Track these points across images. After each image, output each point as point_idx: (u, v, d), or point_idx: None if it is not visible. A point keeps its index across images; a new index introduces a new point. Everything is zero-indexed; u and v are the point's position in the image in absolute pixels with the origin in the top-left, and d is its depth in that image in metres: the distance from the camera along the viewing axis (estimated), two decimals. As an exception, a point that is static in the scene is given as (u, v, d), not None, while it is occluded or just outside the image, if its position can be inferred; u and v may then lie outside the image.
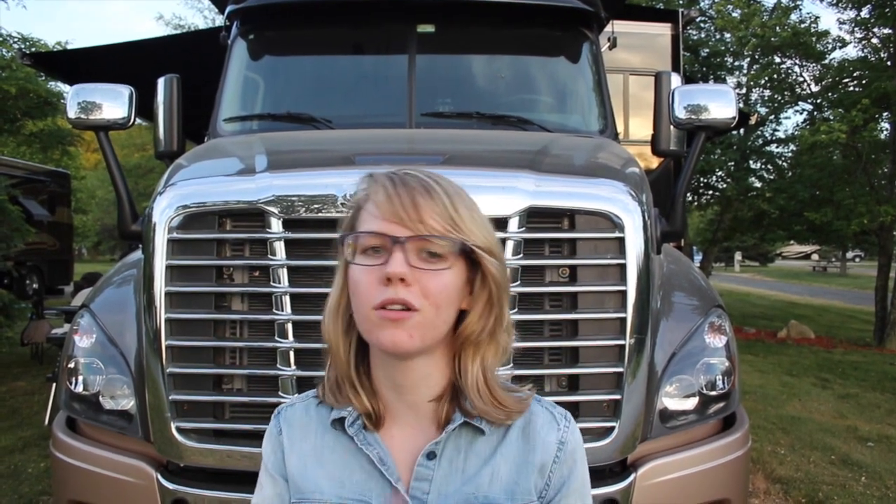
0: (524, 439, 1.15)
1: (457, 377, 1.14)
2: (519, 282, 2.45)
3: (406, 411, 1.15)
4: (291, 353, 2.49)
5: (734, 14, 14.38)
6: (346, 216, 1.16)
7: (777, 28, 13.90)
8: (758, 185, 16.32)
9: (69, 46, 13.86)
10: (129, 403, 2.65)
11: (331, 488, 1.14)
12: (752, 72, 15.59)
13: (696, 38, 15.66)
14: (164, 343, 2.51)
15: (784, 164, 16.47)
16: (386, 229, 1.05)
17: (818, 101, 15.06)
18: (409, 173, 1.10)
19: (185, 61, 4.65)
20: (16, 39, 14.16)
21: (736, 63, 16.46)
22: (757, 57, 15.52)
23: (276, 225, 2.48)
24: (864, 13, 13.24)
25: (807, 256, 57.63)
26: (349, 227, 1.13)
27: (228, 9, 3.98)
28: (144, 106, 3.31)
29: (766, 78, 15.04)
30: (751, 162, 16.42)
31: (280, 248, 2.48)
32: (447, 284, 1.07)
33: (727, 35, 15.34)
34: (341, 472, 1.15)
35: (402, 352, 1.07)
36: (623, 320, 2.51)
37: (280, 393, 2.50)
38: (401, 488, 1.11)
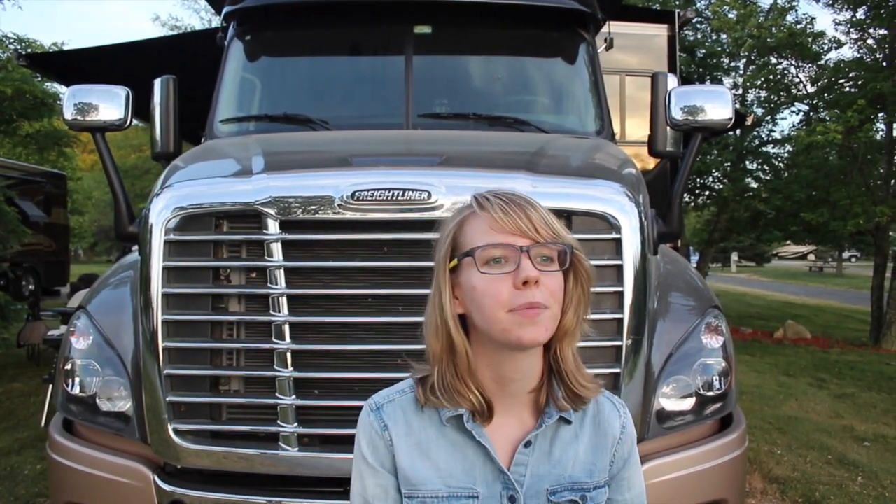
0: (596, 425, 1.36)
1: (557, 365, 1.29)
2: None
3: (507, 401, 1.30)
4: (288, 355, 2.49)
5: (730, 15, 14.40)
6: (444, 233, 1.30)
7: (773, 29, 13.93)
8: (754, 185, 16.34)
9: (65, 47, 13.87)
10: (125, 405, 2.64)
11: (439, 479, 1.28)
12: (749, 73, 15.61)
13: (692, 38, 15.67)
14: (160, 344, 2.51)
15: (780, 164, 16.48)
16: (510, 240, 1.20)
17: (814, 101, 15.08)
18: (506, 193, 1.26)
19: (182, 62, 4.64)
20: (12, 40, 14.16)
21: (732, 64, 16.49)
22: (753, 58, 15.54)
23: (272, 226, 2.48)
24: (860, 14, 13.27)
25: (803, 257, 57.74)
26: (452, 245, 1.28)
27: (225, 10, 3.98)
28: (141, 107, 3.31)
29: (763, 79, 15.06)
30: (747, 162, 16.44)
31: (277, 249, 2.48)
32: (561, 283, 1.24)
33: (723, 36, 15.36)
34: (447, 465, 1.28)
35: (537, 344, 1.24)
36: (620, 321, 2.52)
37: (277, 394, 2.49)
38: (508, 473, 1.27)
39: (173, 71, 3.58)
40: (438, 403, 1.28)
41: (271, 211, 2.47)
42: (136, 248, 2.82)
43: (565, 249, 1.23)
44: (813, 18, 14.46)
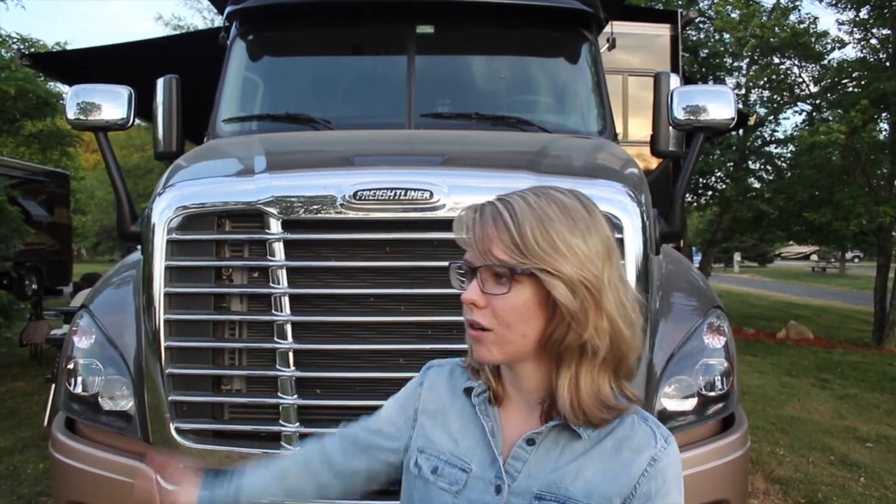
0: (618, 450, 1.22)
1: (553, 386, 1.22)
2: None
3: (519, 396, 1.29)
4: (290, 354, 2.49)
5: (733, 15, 14.37)
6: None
7: (776, 29, 13.89)
8: (757, 185, 16.30)
9: (68, 47, 13.88)
10: (128, 404, 2.65)
11: (447, 445, 1.32)
12: (751, 72, 15.58)
13: (695, 38, 15.65)
14: (163, 344, 2.51)
15: (783, 164, 16.46)
16: (468, 258, 1.21)
17: (817, 101, 15.06)
18: (493, 202, 1.22)
19: (185, 62, 4.65)
20: (15, 40, 14.18)
21: (735, 64, 16.46)
22: (756, 57, 15.51)
23: (275, 226, 2.48)
24: (863, 14, 13.24)
25: (806, 257, 57.62)
26: None
27: (228, 9, 3.99)
28: (144, 107, 3.31)
29: (765, 78, 15.03)
30: (750, 162, 16.42)
31: (279, 248, 2.49)
32: (514, 305, 1.17)
33: (726, 36, 15.32)
34: (458, 434, 1.32)
35: (486, 363, 1.26)
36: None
37: (279, 394, 2.50)
38: (500, 459, 1.26)
39: (176, 70, 3.59)
40: (470, 372, 1.34)
41: (273, 210, 2.48)
42: (139, 247, 2.83)
43: (514, 271, 1.14)
44: (816, 18, 14.44)
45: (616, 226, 2.51)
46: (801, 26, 14.13)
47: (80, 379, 2.72)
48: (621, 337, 1.20)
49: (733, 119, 3.01)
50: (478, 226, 1.19)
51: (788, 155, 16.39)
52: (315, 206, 2.49)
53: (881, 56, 13.51)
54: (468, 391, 1.34)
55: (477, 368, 1.32)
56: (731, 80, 16.26)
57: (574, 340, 1.18)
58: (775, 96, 15.75)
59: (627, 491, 1.19)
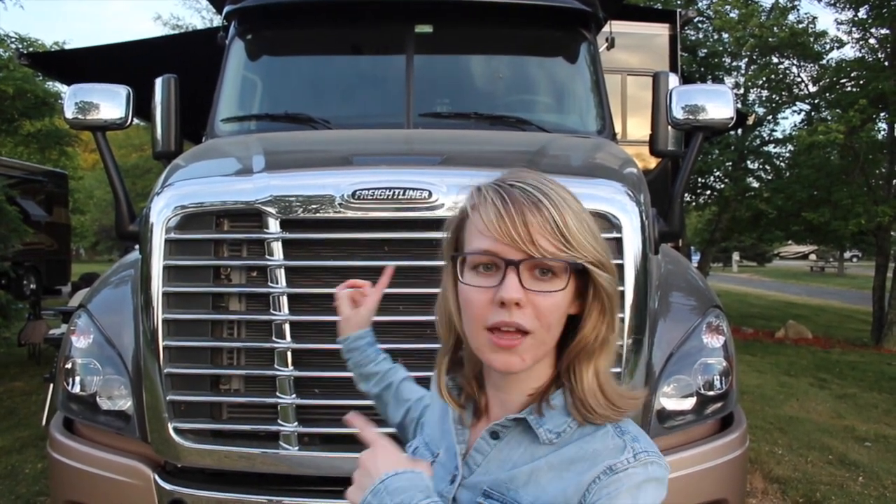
0: (577, 458, 1.08)
1: (571, 386, 1.11)
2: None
3: (498, 407, 1.18)
4: (289, 354, 2.49)
5: (732, 14, 14.38)
6: (447, 224, 1.18)
7: (775, 28, 13.91)
8: (755, 185, 16.31)
9: (66, 46, 13.87)
10: (126, 404, 2.65)
11: (431, 428, 1.31)
12: (750, 72, 15.58)
13: (693, 38, 15.65)
14: (161, 343, 2.51)
15: (782, 164, 16.46)
16: (498, 250, 1.04)
17: (816, 101, 15.07)
18: (516, 185, 1.07)
19: (183, 61, 4.64)
20: (13, 39, 14.17)
21: (734, 63, 16.46)
22: (755, 57, 15.52)
23: (273, 225, 2.48)
24: (862, 13, 13.24)
25: (804, 256, 57.63)
26: (455, 238, 1.16)
27: (226, 9, 3.99)
28: (142, 106, 3.31)
29: (764, 78, 15.04)
30: (748, 162, 16.43)
31: (277, 248, 2.48)
32: (559, 304, 1.07)
33: (725, 35, 15.33)
34: (438, 420, 1.29)
35: (512, 373, 1.10)
36: (621, 321, 2.51)
37: (277, 393, 2.49)
38: (458, 449, 1.19)
39: (174, 70, 3.58)
40: (448, 398, 1.24)
41: (272, 210, 2.47)
42: (137, 246, 2.83)
43: (566, 266, 1.04)
44: (815, 18, 14.45)
45: (615, 225, 2.51)
46: (800, 26, 14.14)
47: (78, 379, 2.71)
48: (617, 323, 1.15)
49: (732, 118, 3.01)
50: (513, 212, 1.03)
51: (787, 154, 16.41)
52: (314, 206, 2.48)
53: (880, 56, 13.52)
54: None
55: (460, 388, 1.23)
56: (729, 80, 16.27)
57: (603, 334, 1.11)
58: (774, 96, 15.76)
59: (573, 497, 1.04)
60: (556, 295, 1.05)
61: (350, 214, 2.46)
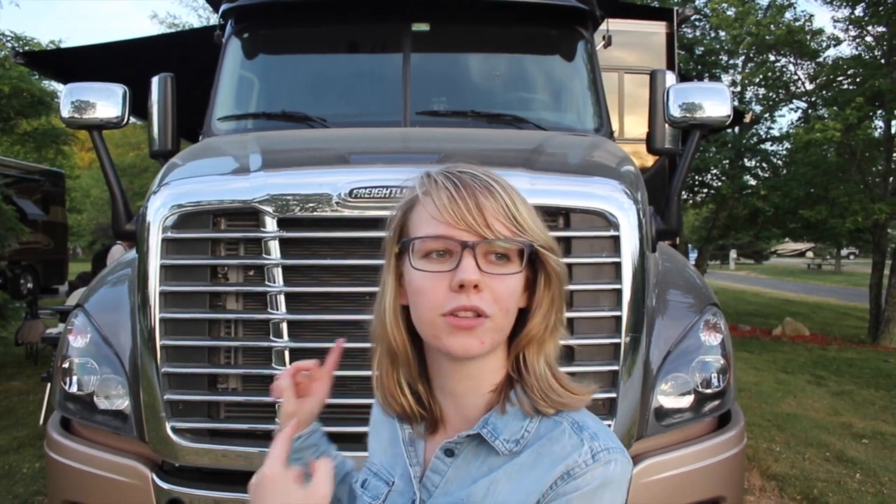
0: (535, 462, 1.05)
1: (519, 376, 1.10)
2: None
3: (454, 414, 1.14)
4: (286, 353, 2.49)
5: (729, 12, 14.39)
6: (393, 215, 1.14)
7: (771, 26, 13.92)
8: (753, 183, 16.36)
9: (63, 45, 13.83)
10: (123, 403, 2.64)
11: (379, 457, 1.23)
12: (747, 70, 15.61)
13: (690, 36, 15.65)
14: (158, 343, 2.50)
15: (779, 162, 16.49)
16: (453, 234, 1.02)
17: (812, 99, 15.09)
18: (466, 171, 1.07)
19: (180, 60, 4.63)
20: (9, 38, 14.10)
21: (731, 61, 16.47)
22: (752, 55, 15.55)
23: (270, 224, 2.47)
24: (858, 11, 13.26)
25: (801, 254, 57.72)
26: (399, 228, 1.12)
27: (223, 7, 3.98)
28: (139, 105, 3.30)
29: (761, 76, 15.06)
30: (746, 160, 16.45)
31: (275, 247, 2.48)
32: (515, 289, 1.06)
33: (722, 33, 15.34)
34: (387, 444, 1.22)
35: (470, 357, 1.05)
36: (618, 318, 2.51)
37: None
38: (414, 472, 1.13)
39: (171, 69, 3.57)
40: (383, 405, 1.18)
41: (269, 209, 2.47)
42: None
43: (524, 248, 1.04)
44: (811, 16, 14.57)
45: (612, 223, 2.51)
46: (797, 24, 14.16)
47: (75, 378, 2.71)
48: (564, 311, 1.14)
49: (729, 116, 3.01)
50: (466, 196, 1.02)
51: (784, 152, 16.44)
52: (311, 204, 2.48)
53: (876, 53, 13.55)
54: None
55: (381, 397, 1.17)
56: (726, 78, 16.28)
57: (552, 322, 1.10)
58: (771, 94, 15.78)
59: (535, 499, 1.02)
60: (511, 278, 1.04)
61: (347, 213, 2.46)
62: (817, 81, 14.82)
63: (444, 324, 1.02)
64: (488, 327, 1.03)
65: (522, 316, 1.10)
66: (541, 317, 1.09)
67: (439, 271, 1.03)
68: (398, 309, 1.11)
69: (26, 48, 13.41)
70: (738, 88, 15.78)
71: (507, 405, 1.08)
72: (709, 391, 2.73)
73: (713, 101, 2.98)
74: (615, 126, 4.55)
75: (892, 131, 13.07)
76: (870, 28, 13.29)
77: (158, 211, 2.55)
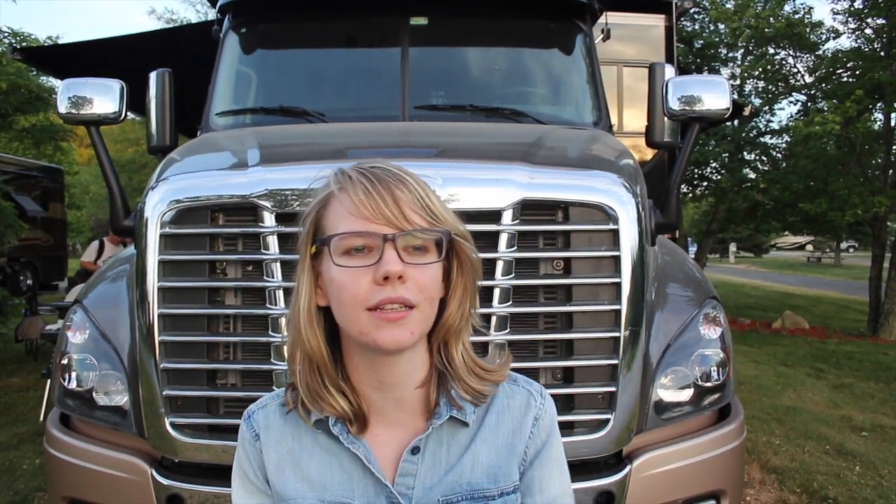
0: (500, 421, 1.18)
1: (444, 366, 1.15)
2: (513, 274, 2.44)
3: (392, 409, 1.15)
4: (285, 348, 2.47)
5: (728, 5, 14.37)
6: (306, 214, 1.15)
7: (771, 19, 13.89)
8: (752, 176, 16.35)
9: (60, 41, 13.80)
10: (122, 399, 2.64)
11: (312, 493, 1.13)
12: (746, 63, 15.58)
13: (689, 29, 15.63)
14: (157, 338, 2.49)
15: (778, 155, 16.50)
16: (372, 228, 1.04)
17: (812, 91, 15.07)
18: (378, 166, 1.09)
19: (178, 55, 4.62)
20: (6, 34, 14.07)
21: (730, 54, 16.45)
22: (751, 48, 15.51)
23: (268, 219, 2.46)
24: (858, 4, 13.24)
25: (801, 247, 57.77)
26: (314, 226, 1.12)
27: (220, 2, 3.97)
28: (137, 100, 3.29)
29: (760, 69, 15.03)
30: (745, 153, 16.44)
31: (273, 242, 2.47)
32: (436, 277, 1.09)
33: (721, 26, 15.32)
34: (321, 476, 1.14)
35: (401, 349, 1.06)
36: (618, 312, 2.51)
37: (274, 388, 2.49)
38: (387, 483, 1.12)
39: (169, 64, 3.56)
40: (304, 409, 1.15)
41: (267, 204, 2.46)
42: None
43: (441, 238, 1.07)
44: (811, 8, 14.48)
45: (611, 217, 2.50)
46: (796, 16, 14.14)
47: (74, 374, 2.70)
48: (477, 299, 1.18)
49: (728, 109, 3.00)
50: (381, 190, 1.04)
51: (784, 145, 16.44)
52: (309, 199, 2.47)
53: (876, 46, 13.52)
54: (319, 423, 1.14)
55: (311, 400, 1.13)
56: (725, 71, 16.26)
57: (467, 310, 1.14)
58: (770, 87, 15.76)
59: (521, 456, 1.17)
60: (432, 267, 1.07)
61: (346, 208, 2.44)
62: (817, 74, 14.80)
63: (371, 318, 1.04)
64: (416, 317, 1.05)
65: (439, 306, 1.13)
66: (456, 304, 1.13)
67: (361, 266, 1.04)
68: (314, 310, 1.12)
69: (24, 44, 13.38)
70: (738, 81, 15.77)
71: (451, 394, 1.14)
72: (708, 384, 2.73)
73: (712, 94, 2.97)
74: (614, 119, 4.55)
75: (892, 124, 13.06)
76: (869, 20, 13.25)
77: (156, 206, 2.54)
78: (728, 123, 14.76)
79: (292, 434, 1.17)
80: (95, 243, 9.29)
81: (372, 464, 1.12)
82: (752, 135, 16.35)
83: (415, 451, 1.13)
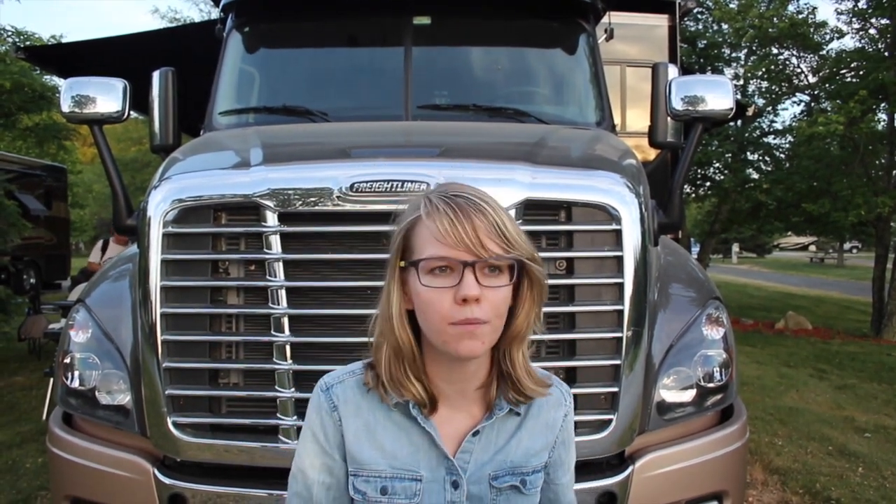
0: (539, 414, 1.41)
1: (507, 368, 1.32)
2: (516, 274, 2.43)
3: (456, 397, 1.34)
4: (287, 348, 2.48)
5: (731, 5, 14.37)
6: (396, 233, 1.29)
7: (774, 19, 13.87)
8: (755, 176, 16.32)
9: (63, 40, 13.81)
10: (125, 398, 2.64)
11: (384, 460, 1.32)
12: (750, 63, 15.55)
13: (693, 29, 15.61)
14: (159, 338, 2.50)
15: (782, 155, 16.47)
16: (454, 255, 1.19)
17: (816, 92, 15.05)
18: (461, 194, 1.24)
19: (181, 54, 4.62)
20: (10, 33, 14.10)
21: (733, 54, 16.44)
22: (754, 48, 15.49)
23: (271, 218, 2.46)
24: (862, 3, 13.21)
25: (804, 248, 57.66)
26: (402, 245, 1.28)
27: (223, 1, 3.97)
28: (141, 100, 3.29)
29: (764, 69, 15.00)
30: (748, 153, 16.42)
31: (276, 241, 2.47)
32: (506, 296, 1.25)
33: (724, 26, 15.30)
34: (393, 447, 1.32)
35: (474, 357, 1.26)
36: (620, 312, 2.51)
37: (276, 387, 2.49)
38: (452, 458, 1.32)
39: (172, 63, 3.56)
40: (384, 391, 1.31)
41: (270, 203, 2.46)
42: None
43: (514, 264, 1.23)
44: (814, 8, 14.41)
45: (614, 217, 2.50)
46: (800, 16, 14.11)
47: (76, 373, 2.70)
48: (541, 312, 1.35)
49: (732, 109, 2.99)
50: (463, 220, 1.19)
51: (787, 146, 16.41)
52: (312, 199, 2.47)
53: (880, 46, 13.48)
54: (399, 406, 1.32)
55: (392, 386, 1.30)
56: (729, 71, 16.24)
57: (531, 321, 1.31)
58: (774, 87, 15.73)
59: (551, 443, 1.43)
60: (504, 289, 1.23)
61: (348, 207, 2.45)
62: (820, 74, 14.77)
63: (454, 331, 1.21)
64: (487, 331, 1.22)
65: (509, 317, 1.29)
66: (523, 317, 1.30)
67: (444, 287, 1.20)
68: (404, 313, 1.29)
69: (27, 43, 13.41)
70: (741, 81, 15.75)
71: (509, 392, 1.34)
72: (711, 385, 2.72)
73: (715, 94, 2.96)
74: (617, 119, 4.54)
75: (896, 124, 13.03)
76: (873, 20, 13.23)
77: (159, 206, 2.54)
78: (731, 124, 14.74)
79: (368, 408, 1.34)
80: (100, 242, 9.29)
81: (439, 440, 1.32)
82: (755, 135, 16.33)
83: (475, 434, 1.34)
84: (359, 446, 1.33)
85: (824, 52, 14.51)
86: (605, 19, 4.43)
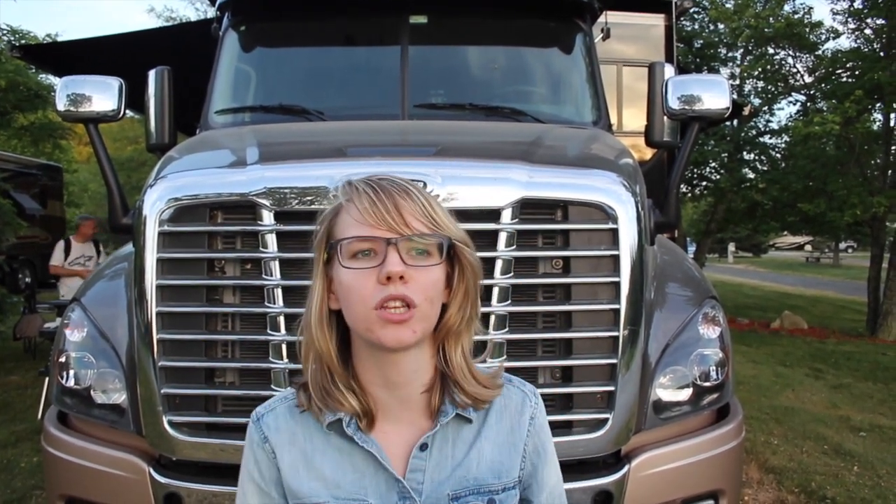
0: (502, 421, 1.26)
1: (443, 367, 1.21)
2: (512, 273, 2.43)
3: (398, 407, 1.20)
4: (283, 346, 2.47)
5: (728, 5, 14.38)
6: (319, 226, 1.23)
7: (770, 19, 13.90)
8: (751, 176, 16.36)
9: (59, 39, 13.78)
10: (120, 397, 2.63)
11: (326, 491, 1.18)
12: (746, 63, 15.58)
13: (689, 28, 15.63)
14: (155, 336, 2.49)
15: (777, 155, 16.51)
16: (376, 234, 1.11)
17: (812, 92, 15.08)
18: (384, 178, 1.17)
19: (177, 53, 4.61)
20: (5, 32, 14.05)
21: (729, 54, 16.46)
22: (750, 48, 15.52)
23: (267, 217, 2.46)
24: (858, 4, 13.24)
25: (800, 247, 57.80)
26: (326, 234, 1.20)
27: (219, 0, 3.95)
28: (136, 98, 3.28)
29: (760, 69, 15.03)
30: (744, 153, 16.44)
31: (272, 240, 2.46)
32: (437, 279, 1.15)
33: (721, 26, 15.32)
34: (334, 474, 1.19)
35: (403, 347, 1.13)
36: (617, 311, 2.50)
37: (272, 386, 2.48)
38: (401, 479, 1.17)
39: (168, 62, 3.55)
40: (318, 410, 1.19)
41: (266, 202, 2.45)
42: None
43: (442, 242, 1.14)
44: (810, 8, 14.47)
45: (610, 216, 2.50)
46: (796, 16, 14.15)
47: (72, 372, 2.69)
48: (479, 305, 1.23)
49: (728, 108, 2.99)
50: (385, 199, 1.12)
51: (783, 145, 16.44)
52: (308, 198, 2.46)
53: (875, 46, 13.52)
54: (333, 424, 1.19)
55: (322, 399, 1.18)
56: (725, 71, 16.26)
57: (468, 314, 1.20)
58: (770, 87, 15.77)
59: (521, 453, 1.25)
60: (433, 270, 1.14)
61: (345, 206, 2.44)
62: (816, 74, 14.81)
63: (376, 317, 1.10)
64: (417, 317, 1.11)
65: (443, 311, 1.19)
66: (457, 307, 1.19)
67: (367, 267, 1.11)
68: (325, 312, 1.19)
69: (23, 42, 13.36)
70: (737, 81, 15.79)
71: (455, 398, 1.21)
72: (707, 384, 2.73)
73: (712, 94, 2.96)
74: (614, 119, 4.54)
75: (891, 124, 13.06)
76: (869, 20, 13.26)
77: (155, 204, 2.53)
78: (727, 123, 14.78)
79: (303, 435, 1.22)
80: (61, 243, 9.04)
81: (384, 460, 1.17)
82: (751, 135, 16.36)
83: (423, 447, 1.19)
84: (296, 478, 1.19)
85: (820, 52, 14.54)
86: (601, 19, 4.43)
